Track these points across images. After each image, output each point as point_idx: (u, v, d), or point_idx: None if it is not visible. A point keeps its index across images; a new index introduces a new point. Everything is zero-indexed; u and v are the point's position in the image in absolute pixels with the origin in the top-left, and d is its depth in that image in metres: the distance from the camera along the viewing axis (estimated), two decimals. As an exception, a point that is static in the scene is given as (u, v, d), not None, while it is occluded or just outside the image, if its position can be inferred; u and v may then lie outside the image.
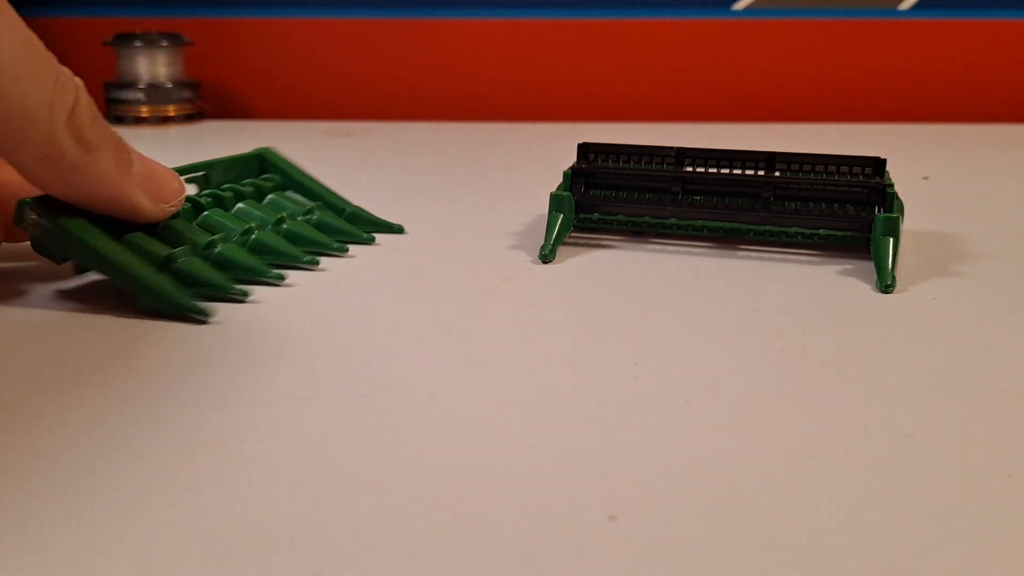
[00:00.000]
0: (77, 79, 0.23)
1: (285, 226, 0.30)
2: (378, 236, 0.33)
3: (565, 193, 0.32)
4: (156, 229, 0.26)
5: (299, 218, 0.31)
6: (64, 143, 0.22)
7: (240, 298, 0.26)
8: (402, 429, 0.18)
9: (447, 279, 0.28)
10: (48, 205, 0.24)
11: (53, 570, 0.14)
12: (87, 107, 0.23)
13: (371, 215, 0.34)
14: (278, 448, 0.17)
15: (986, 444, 0.18)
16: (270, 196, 0.32)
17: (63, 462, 0.17)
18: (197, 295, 0.25)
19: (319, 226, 0.32)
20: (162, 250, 0.25)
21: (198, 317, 0.24)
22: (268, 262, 0.28)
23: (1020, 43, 0.70)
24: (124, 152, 0.25)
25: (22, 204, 0.24)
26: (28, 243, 0.25)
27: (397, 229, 0.34)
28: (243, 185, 0.31)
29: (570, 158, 0.33)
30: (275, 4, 0.73)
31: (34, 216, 0.24)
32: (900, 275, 0.28)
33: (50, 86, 0.22)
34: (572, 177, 0.33)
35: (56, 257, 0.25)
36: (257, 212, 0.30)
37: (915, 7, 0.70)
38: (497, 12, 0.72)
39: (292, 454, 0.17)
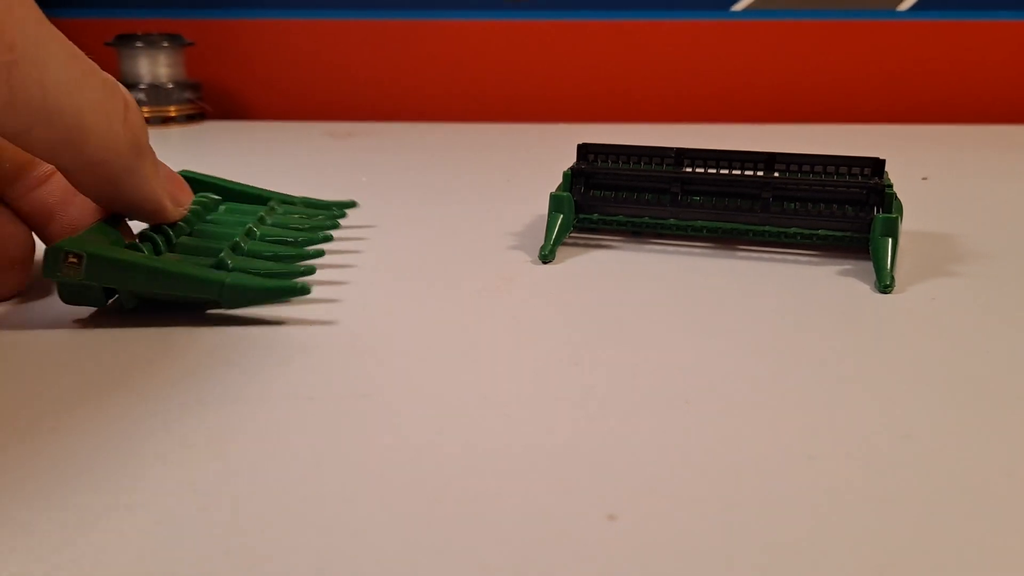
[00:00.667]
0: (121, 85, 0.23)
1: (271, 221, 0.30)
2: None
3: (565, 193, 0.32)
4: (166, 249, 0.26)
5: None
6: (121, 148, 0.23)
7: (304, 292, 0.24)
8: (402, 429, 0.18)
9: (447, 279, 0.29)
10: (85, 244, 0.23)
11: (52, 569, 0.14)
12: (136, 111, 0.24)
13: (321, 200, 0.36)
14: (278, 448, 0.17)
15: (985, 444, 0.18)
16: (222, 207, 0.31)
17: (63, 462, 0.17)
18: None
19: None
20: (200, 260, 0.25)
21: (299, 295, 0.24)
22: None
23: (1020, 43, 0.70)
24: (153, 153, 0.25)
25: (57, 249, 0.22)
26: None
27: (349, 204, 0.36)
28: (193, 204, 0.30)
29: (570, 158, 0.33)
30: (275, 5, 0.73)
31: (73, 259, 0.22)
32: (899, 275, 0.29)
33: (100, 95, 0.22)
34: (572, 178, 0.33)
35: (99, 298, 0.24)
36: (231, 218, 0.30)
37: (915, 7, 0.70)
38: (497, 13, 0.72)
39: (292, 454, 0.17)
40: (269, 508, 0.15)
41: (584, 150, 0.33)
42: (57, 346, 0.23)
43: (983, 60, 0.70)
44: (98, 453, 0.17)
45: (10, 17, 0.19)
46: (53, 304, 0.26)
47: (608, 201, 0.33)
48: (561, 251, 0.32)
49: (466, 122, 0.71)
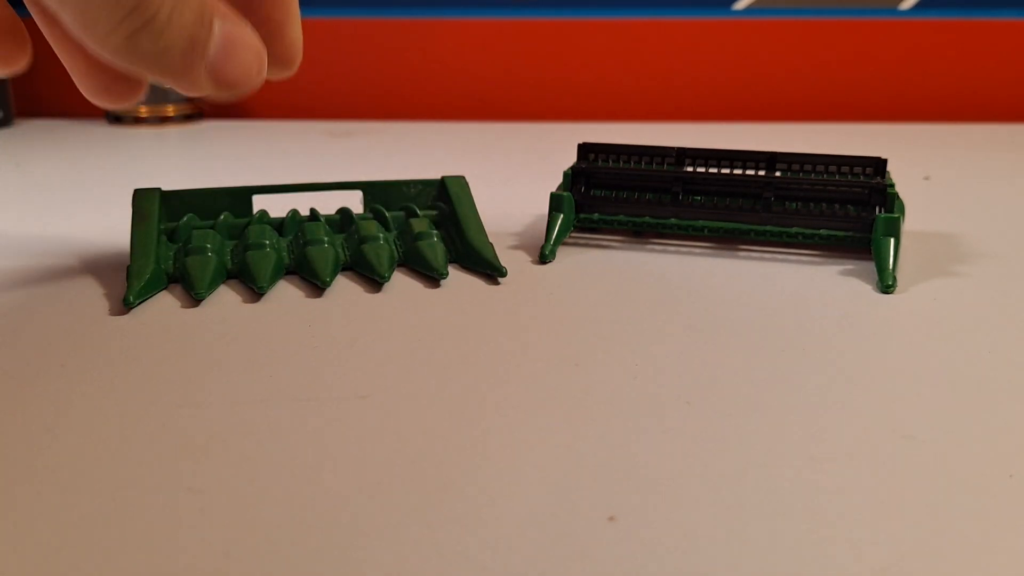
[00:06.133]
0: None
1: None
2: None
3: (565, 193, 0.32)
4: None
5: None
6: None
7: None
8: (401, 430, 0.18)
9: (446, 279, 0.28)
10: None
11: (50, 571, 0.14)
12: None
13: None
14: (278, 448, 0.17)
15: (987, 445, 0.18)
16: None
17: (62, 462, 0.17)
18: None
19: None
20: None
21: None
22: None
23: (1020, 43, 0.70)
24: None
25: None
26: None
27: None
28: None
29: (570, 158, 0.33)
30: (275, 4, 0.73)
31: None
32: (901, 275, 0.28)
33: None
34: (572, 177, 0.33)
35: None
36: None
37: (915, 7, 0.70)
38: (497, 12, 0.72)
39: (292, 454, 0.17)
40: (269, 509, 0.15)
41: (584, 149, 0.33)
42: (54, 342, 0.23)
43: (985, 59, 0.70)
44: (96, 453, 0.17)
45: None
46: (40, 296, 0.25)
47: (609, 201, 0.32)
48: (561, 251, 0.32)
49: (466, 121, 0.71)
